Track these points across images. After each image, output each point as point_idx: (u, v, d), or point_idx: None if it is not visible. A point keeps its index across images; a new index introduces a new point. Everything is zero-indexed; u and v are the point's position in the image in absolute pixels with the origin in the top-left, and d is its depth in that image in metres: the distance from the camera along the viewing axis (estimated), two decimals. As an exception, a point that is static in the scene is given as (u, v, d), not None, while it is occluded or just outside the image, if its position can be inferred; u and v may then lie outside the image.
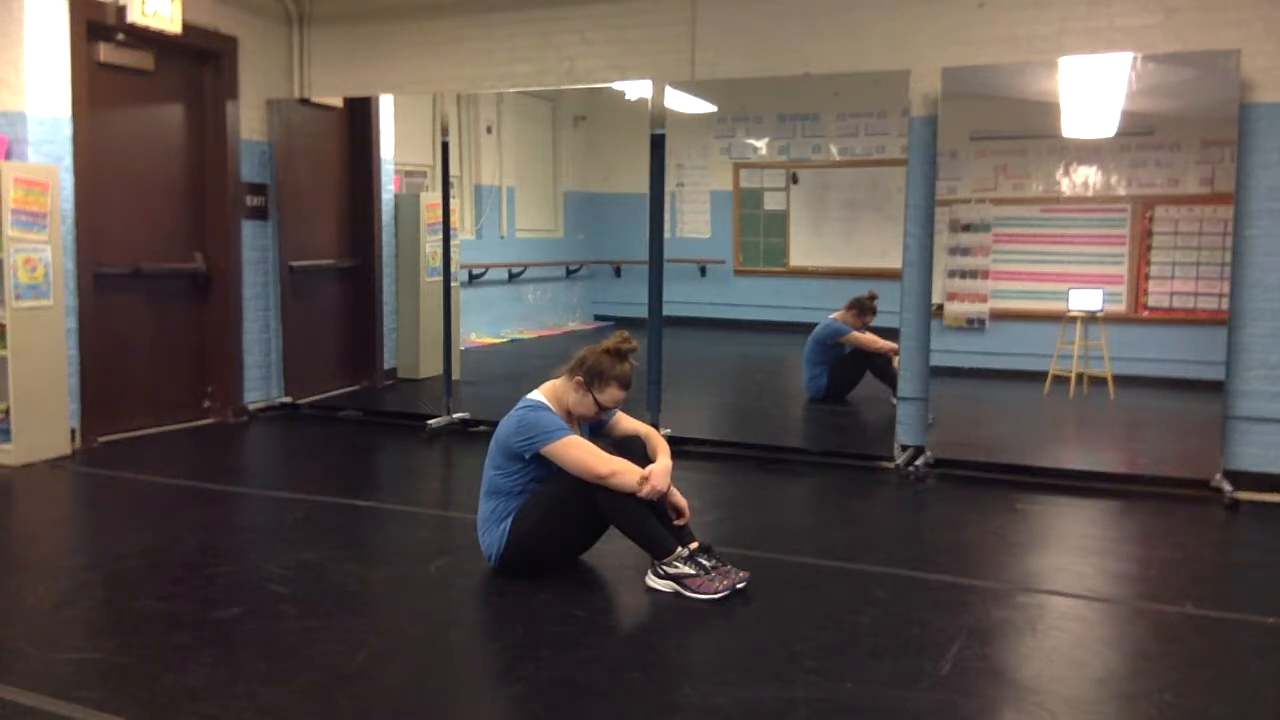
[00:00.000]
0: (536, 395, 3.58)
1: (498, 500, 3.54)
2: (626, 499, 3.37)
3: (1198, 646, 3.08)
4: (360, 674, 2.76)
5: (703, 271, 6.13)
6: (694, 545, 3.42)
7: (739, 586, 3.36)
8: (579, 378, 3.52)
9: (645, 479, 3.35)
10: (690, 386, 6.26)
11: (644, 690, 2.72)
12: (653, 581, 3.42)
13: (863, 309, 5.66)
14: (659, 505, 3.46)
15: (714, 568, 3.38)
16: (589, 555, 3.68)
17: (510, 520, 3.49)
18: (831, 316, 5.77)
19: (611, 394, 3.52)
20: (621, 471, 3.37)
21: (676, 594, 3.35)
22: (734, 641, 3.10)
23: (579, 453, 3.40)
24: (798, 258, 5.98)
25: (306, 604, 3.29)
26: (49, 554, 3.99)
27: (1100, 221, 5.05)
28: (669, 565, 3.38)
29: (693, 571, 3.36)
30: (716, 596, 3.32)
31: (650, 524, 3.41)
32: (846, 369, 5.81)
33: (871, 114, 5.53)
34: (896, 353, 5.46)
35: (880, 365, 5.62)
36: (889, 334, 5.51)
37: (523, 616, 3.20)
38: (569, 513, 3.48)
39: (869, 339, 5.67)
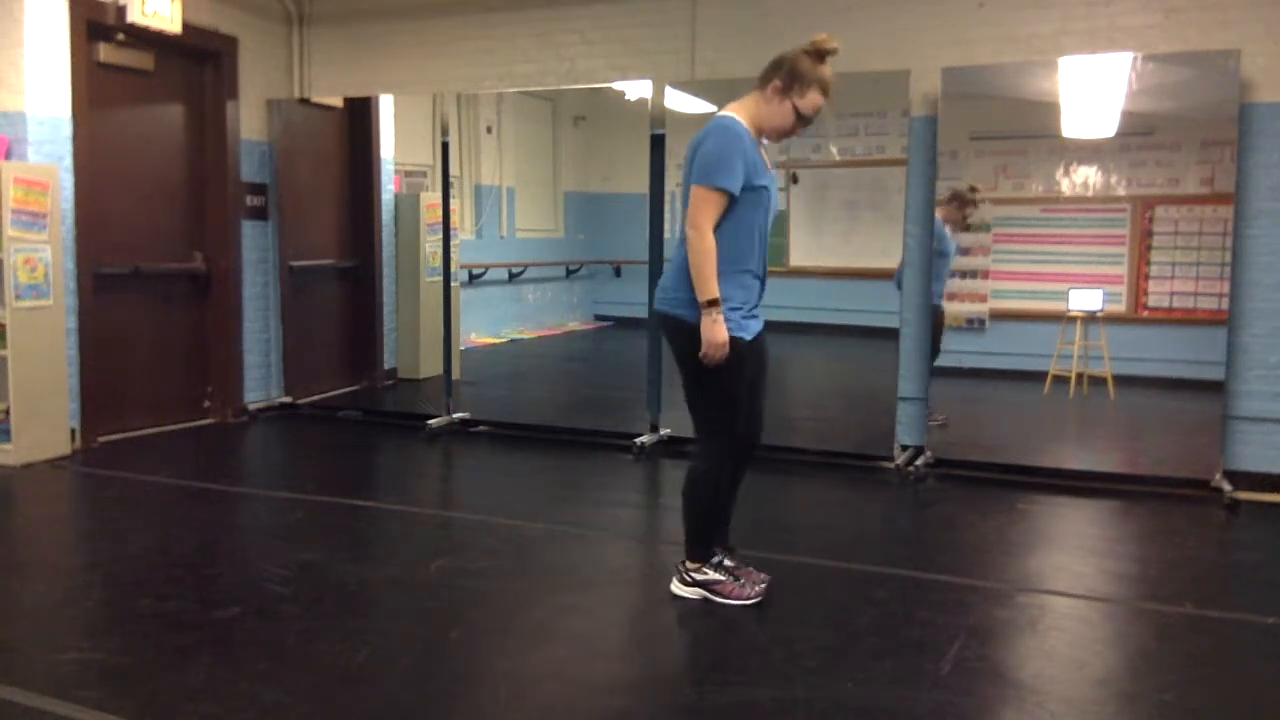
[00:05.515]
0: (730, 112, 3.30)
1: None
2: (716, 479, 3.29)
3: (1198, 646, 3.08)
4: (360, 674, 2.76)
5: (703, 271, 6.11)
6: (727, 551, 3.37)
7: (760, 588, 3.31)
8: (777, 82, 3.24)
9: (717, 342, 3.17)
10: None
11: (644, 690, 2.72)
12: (679, 590, 3.35)
13: (963, 201, 5.31)
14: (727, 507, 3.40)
15: (736, 568, 3.35)
16: (588, 555, 3.67)
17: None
18: (937, 216, 5.40)
19: (812, 99, 3.24)
20: (708, 266, 3.08)
21: (705, 600, 3.30)
22: (734, 641, 3.09)
23: (704, 210, 3.12)
24: (798, 258, 5.98)
25: (306, 604, 3.29)
26: (49, 554, 3.98)
27: (1100, 221, 5.06)
28: (698, 572, 3.32)
29: (721, 577, 3.31)
30: (749, 603, 3.26)
31: (709, 523, 3.33)
32: None
33: (871, 114, 5.52)
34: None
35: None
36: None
37: (523, 616, 3.20)
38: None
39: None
